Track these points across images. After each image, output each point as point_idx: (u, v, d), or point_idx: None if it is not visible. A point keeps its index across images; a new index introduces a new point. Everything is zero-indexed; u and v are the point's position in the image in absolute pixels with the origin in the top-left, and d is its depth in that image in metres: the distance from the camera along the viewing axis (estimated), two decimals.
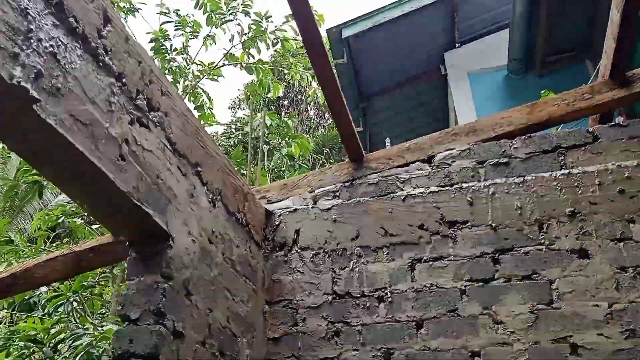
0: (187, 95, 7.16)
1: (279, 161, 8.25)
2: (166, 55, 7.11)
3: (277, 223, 2.61)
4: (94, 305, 5.23)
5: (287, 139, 7.60)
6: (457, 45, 7.60)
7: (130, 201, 1.57)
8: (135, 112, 1.68)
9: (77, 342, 3.56)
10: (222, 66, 7.87)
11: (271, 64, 7.61)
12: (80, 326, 3.97)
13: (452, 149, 2.54)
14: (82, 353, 3.56)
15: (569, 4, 5.77)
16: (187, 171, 1.95)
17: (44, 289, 4.46)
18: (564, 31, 6.14)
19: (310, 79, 8.24)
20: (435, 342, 2.16)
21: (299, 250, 2.51)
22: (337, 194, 2.61)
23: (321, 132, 17.18)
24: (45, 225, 6.25)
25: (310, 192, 2.66)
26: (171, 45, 7.26)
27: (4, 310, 5.72)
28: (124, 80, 1.63)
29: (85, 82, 1.45)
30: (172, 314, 1.67)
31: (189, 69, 7.49)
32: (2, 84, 1.18)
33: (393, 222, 2.45)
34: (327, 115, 19.52)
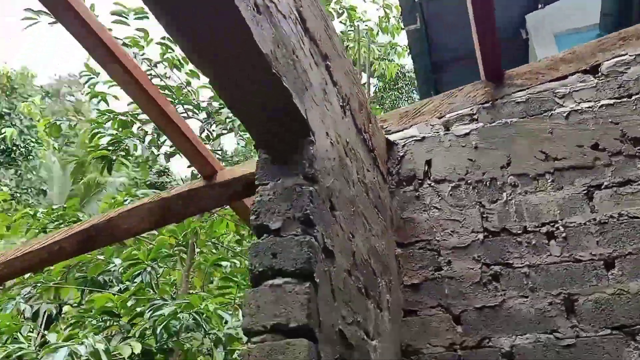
0: None
1: None
2: None
3: (401, 154, 2.16)
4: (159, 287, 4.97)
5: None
6: (540, 6, 6.93)
7: (268, 67, 1.16)
8: None
9: (159, 312, 3.24)
10: None
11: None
12: (157, 298, 3.66)
13: (623, 55, 2.02)
14: (164, 323, 3.24)
15: None
16: (319, 61, 1.53)
17: (117, 261, 4.20)
18: None
19: (376, 51, 7.77)
20: (636, 284, 1.65)
21: (432, 184, 2.05)
22: (475, 117, 2.13)
23: None
24: (112, 208, 6.10)
25: (440, 118, 2.19)
26: None
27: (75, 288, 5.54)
28: None
29: None
30: (321, 226, 1.25)
31: None
32: None
33: (555, 143, 1.95)
34: None
